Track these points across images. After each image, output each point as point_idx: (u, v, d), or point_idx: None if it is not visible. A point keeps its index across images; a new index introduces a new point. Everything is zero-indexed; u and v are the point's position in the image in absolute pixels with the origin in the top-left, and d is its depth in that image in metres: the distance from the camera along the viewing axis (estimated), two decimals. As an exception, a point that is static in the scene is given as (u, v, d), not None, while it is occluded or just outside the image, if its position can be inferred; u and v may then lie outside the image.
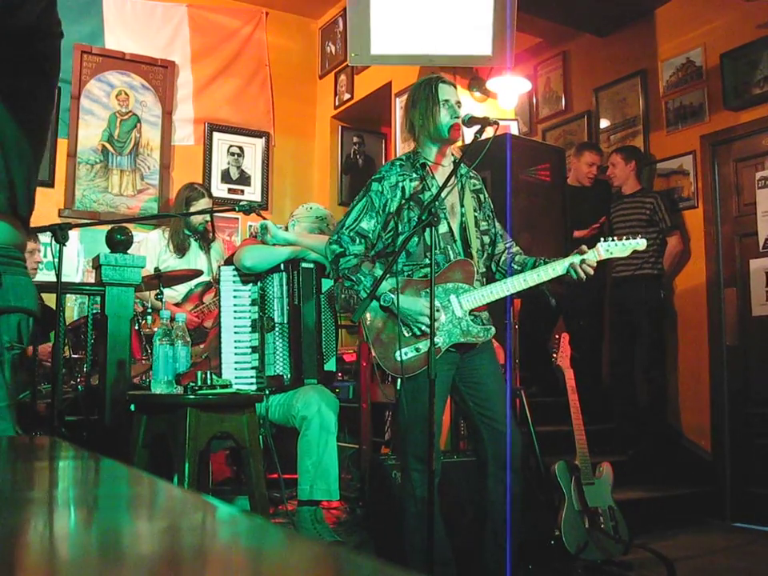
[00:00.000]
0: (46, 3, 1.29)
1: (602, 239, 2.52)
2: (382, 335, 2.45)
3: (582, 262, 2.43)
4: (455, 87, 2.61)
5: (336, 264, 2.49)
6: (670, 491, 4.16)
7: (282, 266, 3.18)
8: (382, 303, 2.40)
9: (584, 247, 2.49)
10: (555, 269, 2.45)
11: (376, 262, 2.52)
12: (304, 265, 3.22)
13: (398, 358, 2.40)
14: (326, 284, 3.31)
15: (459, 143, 2.59)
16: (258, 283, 3.19)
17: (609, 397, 4.69)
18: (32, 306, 1.39)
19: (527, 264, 2.57)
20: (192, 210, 4.09)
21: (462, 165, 2.56)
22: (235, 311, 3.18)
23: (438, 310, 2.41)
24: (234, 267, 3.21)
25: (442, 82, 2.57)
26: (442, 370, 2.36)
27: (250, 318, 3.18)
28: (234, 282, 3.21)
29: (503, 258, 2.65)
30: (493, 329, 2.53)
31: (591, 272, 2.45)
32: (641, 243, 2.51)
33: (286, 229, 3.37)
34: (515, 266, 2.60)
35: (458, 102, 2.56)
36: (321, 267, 3.29)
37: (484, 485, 2.47)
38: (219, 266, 3.33)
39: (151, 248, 4.15)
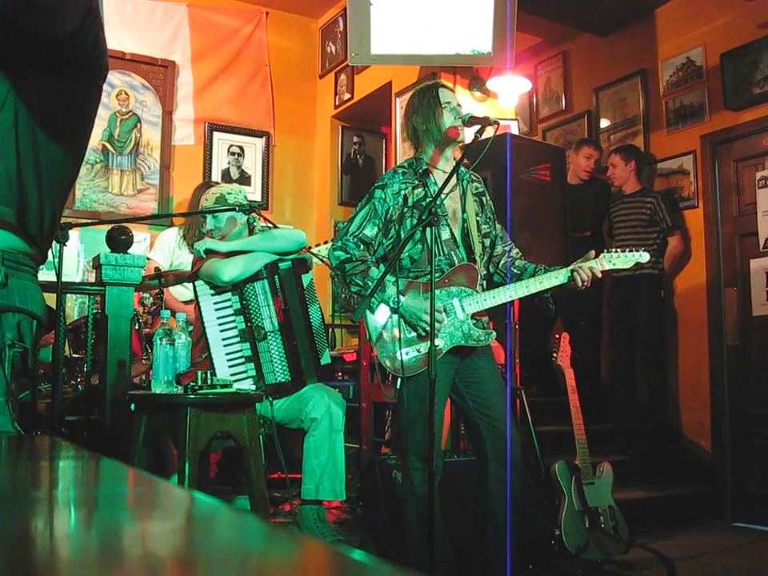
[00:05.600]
0: (88, 23, 1.26)
1: (605, 251, 2.52)
2: (385, 335, 2.48)
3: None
4: (454, 92, 2.66)
5: (342, 270, 2.50)
6: (670, 491, 4.16)
7: (261, 272, 3.06)
8: (392, 306, 2.44)
9: (587, 255, 2.50)
10: (558, 277, 2.47)
11: (380, 264, 2.54)
12: (282, 266, 3.12)
13: (400, 358, 2.42)
14: (306, 279, 3.25)
15: (460, 143, 2.60)
16: (236, 292, 3.05)
17: (609, 396, 4.69)
18: (36, 310, 1.38)
19: (527, 269, 2.58)
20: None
21: (462, 167, 2.56)
22: (221, 324, 3.05)
23: (441, 311, 2.44)
24: (206, 281, 3.07)
25: (442, 86, 2.62)
26: (442, 371, 2.37)
27: (236, 328, 3.06)
28: (212, 294, 3.06)
29: (503, 261, 2.66)
30: (494, 333, 2.54)
31: (599, 275, 2.45)
32: (644, 256, 2.52)
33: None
34: (515, 270, 2.61)
35: (459, 105, 2.61)
36: (299, 262, 3.20)
37: (484, 484, 2.48)
38: (193, 282, 3.12)
39: (165, 245, 4.16)
